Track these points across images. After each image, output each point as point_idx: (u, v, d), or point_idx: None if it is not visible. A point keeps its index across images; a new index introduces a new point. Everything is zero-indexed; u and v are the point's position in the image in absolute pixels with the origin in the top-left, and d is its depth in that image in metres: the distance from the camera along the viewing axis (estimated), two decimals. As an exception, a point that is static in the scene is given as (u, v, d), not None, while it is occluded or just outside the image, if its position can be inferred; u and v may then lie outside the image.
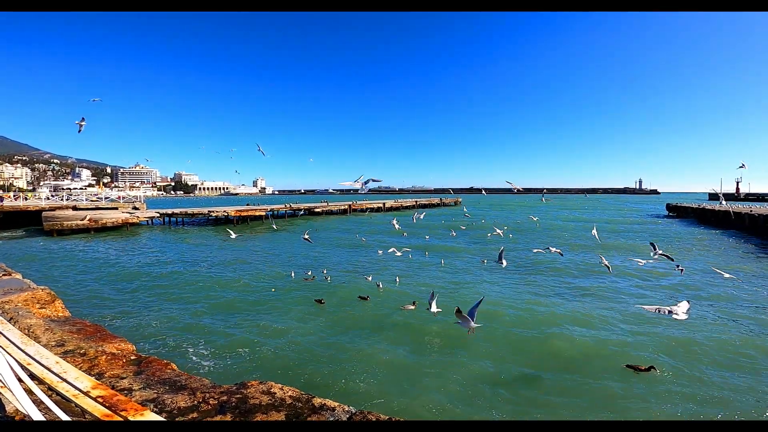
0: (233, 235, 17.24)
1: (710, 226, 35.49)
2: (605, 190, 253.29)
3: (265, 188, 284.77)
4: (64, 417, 2.50)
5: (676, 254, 20.85)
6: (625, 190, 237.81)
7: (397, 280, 14.29)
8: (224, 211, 41.27)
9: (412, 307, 10.79)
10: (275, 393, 3.52)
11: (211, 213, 40.95)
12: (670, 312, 6.38)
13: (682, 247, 23.96)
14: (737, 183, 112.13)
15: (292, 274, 15.39)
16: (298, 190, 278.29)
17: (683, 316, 6.37)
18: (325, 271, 15.46)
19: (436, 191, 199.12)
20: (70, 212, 36.42)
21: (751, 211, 34.12)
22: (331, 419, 3.05)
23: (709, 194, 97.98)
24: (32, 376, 3.10)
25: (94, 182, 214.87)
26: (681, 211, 49.01)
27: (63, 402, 2.94)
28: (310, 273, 15.38)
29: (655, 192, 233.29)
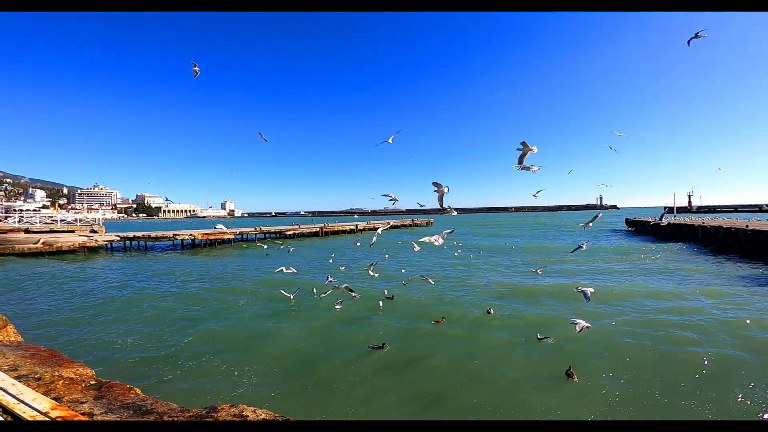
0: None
1: (666, 240, 37.28)
2: (569, 207, 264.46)
3: (234, 211, 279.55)
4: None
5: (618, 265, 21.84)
6: (587, 206, 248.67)
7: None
8: (190, 235, 39.71)
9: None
10: (248, 416, 3.40)
11: (176, 236, 39.24)
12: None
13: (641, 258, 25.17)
14: (689, 197, 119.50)
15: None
16: (269, 213, 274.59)
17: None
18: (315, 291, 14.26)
19: (408, 212, 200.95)
20: (22, 235, 34.51)
21: (703, 223, 36.39)
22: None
23: (664, 208, 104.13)
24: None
25: (49, 204, 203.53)
26: (639, 226, 51.48)
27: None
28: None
29: (614, 207, 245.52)
